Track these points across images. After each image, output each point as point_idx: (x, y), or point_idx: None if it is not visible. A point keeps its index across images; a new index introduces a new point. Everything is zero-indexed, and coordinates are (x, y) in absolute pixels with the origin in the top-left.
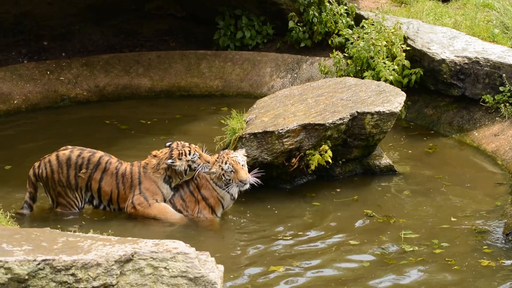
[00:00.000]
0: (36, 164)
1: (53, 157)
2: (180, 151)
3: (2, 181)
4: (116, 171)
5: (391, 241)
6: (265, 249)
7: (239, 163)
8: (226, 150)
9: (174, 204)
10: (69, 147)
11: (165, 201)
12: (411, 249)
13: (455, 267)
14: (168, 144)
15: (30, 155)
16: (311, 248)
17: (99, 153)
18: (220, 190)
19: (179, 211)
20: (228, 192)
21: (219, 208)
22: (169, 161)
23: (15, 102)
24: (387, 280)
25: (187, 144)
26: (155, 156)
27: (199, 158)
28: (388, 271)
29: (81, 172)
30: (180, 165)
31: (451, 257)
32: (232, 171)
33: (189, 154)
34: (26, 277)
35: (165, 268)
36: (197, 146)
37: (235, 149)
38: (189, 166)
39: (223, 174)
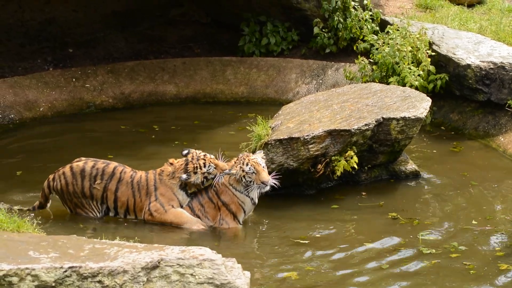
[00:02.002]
0: (51, 176)
1: (67, 169)
2: (195, 165)
3: (30, 187)
4: (131, 180)
5: (411, 244)
6: (290, 255)
7: (260, 164)
8: (245, 153)
9: (193, 209)
10: (83, 158)
11: (181, 207)
12: (429, 251)
13: (472, 271)
14: (184, 152)
15: (56, 162)
16: (333, 252)
17: (113, 164)
18: (240, 195)
19: (198, 216)
20: (248, 196)
21: (241, 214)
22: (184, 176)
23: (41, 109)
24: (404, 283)
25: (202, 155)
26: (171, 164)
27: (214, 168)
28: (406, 274)
29: (96, 183)
30: (196, 179)
31: (469, 260)
32: (253, 172)
33: (204, 166)
34: (53, 284)
35: (191, 274)
36: (212, 157)
37: None
38: (206, 177)
39: (244, 176)
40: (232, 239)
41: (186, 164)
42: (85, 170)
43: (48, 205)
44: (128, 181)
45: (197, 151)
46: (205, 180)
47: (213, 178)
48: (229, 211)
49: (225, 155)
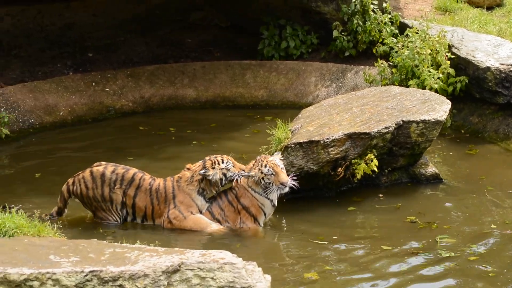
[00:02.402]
0: (70, 180)
1: (87, 173)
2: (213, 161)
3: (49, 192)
4: (150, 187)
5: (430, 247)
6: (309, 258)
7: (278, 165)
8: (263, 155)
9: (212, 213)
10: (103, 163)
11: (201, 212)
12: (448, 255)
13: (491, 273)
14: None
15: (76, 165)
16: (351, 254)
17: (133, 170)
18: (259, 197)
19: (218, 221)
20: (267, 198)
21: (261, 216)
22: (202, 171)
23: (61, 113)
24: (424, 286)
25: (220, 154)
26: (188, 169)
27: (233, 166)
28: (425, 277)
29: (115, 188)
30: (214, 173)
31: (489, 264)
32: (272, 173)
33: (222, 162)
34: None
35: (212, 278)
36: (230, 157)
37: None
38: (224, 174)
39: (263, 178)
40: (252, 242)
41: (204, 162)
42: (105, 174)
43: (66, 211)
44: (146, 188)
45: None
46: (224, 178)
47: (231, 177)
48: (250, 214)
49: (243, 158)
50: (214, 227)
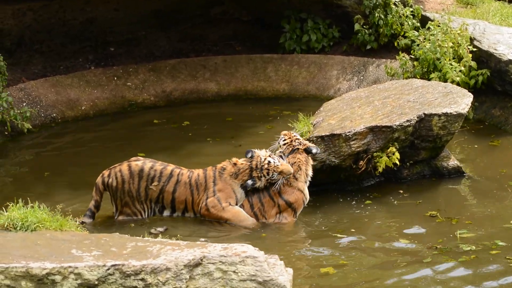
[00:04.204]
0: (106, 172)
1: (124, 167)
2: (259, 174)
3: (71, 186)
4: (189, 180)
5: (449, 242)
6: (328, 251)
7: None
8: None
9: (252, 205)
10: (141, 158)
11: (237, 205)
12: (468, 248)
13: None
14: (248, 155)
15: (98, 159)
16: (372, 248)
17: (171, 166)
18: (305, 192)
19: (255, 214)
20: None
21: (300, 210)
22: (250, 182)
23: (82, 108)
24: (443, 277)
25: (266, 163)
26: (235, 164)
27: (278, 174)
28: (444, 271)
29: (152, 184)
30: (260, 183)
31: (511, 256)
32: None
33: (268, 174)
34: (96, 282)
35: (234, 272)
36: (276, 161)
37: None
38: (270, 183)
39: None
40: (272, 234)
41: (251, 171)
42: (143, 170)
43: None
44: (186, 182)
45: (260, 153)
46: (268, 184)
47: (276, 181)
48: (292, 209)
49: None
50: (251, 222)
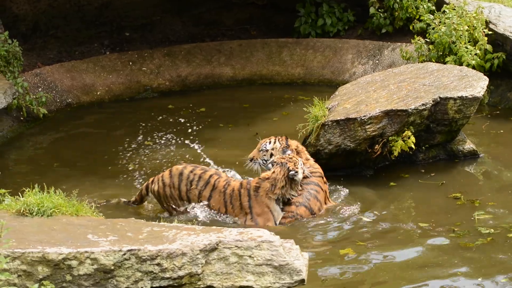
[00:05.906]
0: (151, 179)
1: (166, 172)
2: (294, 161)
3: (86, 171)
4: (224, 190)
5: (468, 224)
6: (348, 235)
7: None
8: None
9: (311, 209)
10: (183, 163)
11: (276, 224)
12: (487, 231)
13: None
14: (286, 152)
15: (114, 144)
16: (392, 230)
17: (210, 171)
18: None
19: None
20: None
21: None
22: (292, 172)
23: (98, 93)
24: (461, 263)
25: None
26: (267, 178)
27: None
28: (462, 254)
29: (191, 187)
30: (301, 173)
31: None
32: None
33: (298, 162)
34: (112, 267)
35: (250, 256)
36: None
37: (317, 136)
38: (303, 170)
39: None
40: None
41: (284, 165)
42: (183, 174)
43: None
44: (221, 190)
45: (289, 152)
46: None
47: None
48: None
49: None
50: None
